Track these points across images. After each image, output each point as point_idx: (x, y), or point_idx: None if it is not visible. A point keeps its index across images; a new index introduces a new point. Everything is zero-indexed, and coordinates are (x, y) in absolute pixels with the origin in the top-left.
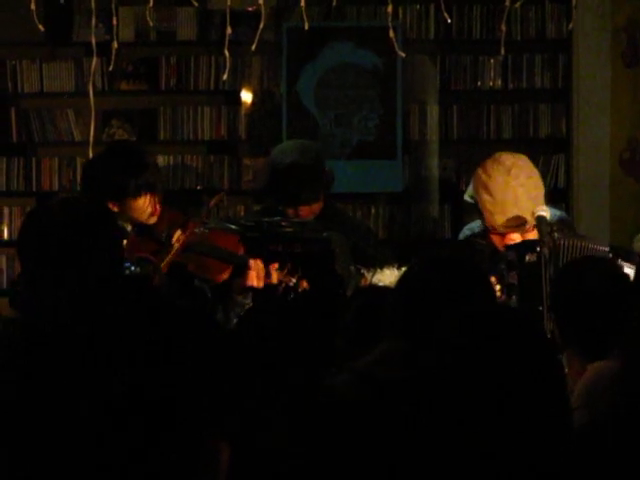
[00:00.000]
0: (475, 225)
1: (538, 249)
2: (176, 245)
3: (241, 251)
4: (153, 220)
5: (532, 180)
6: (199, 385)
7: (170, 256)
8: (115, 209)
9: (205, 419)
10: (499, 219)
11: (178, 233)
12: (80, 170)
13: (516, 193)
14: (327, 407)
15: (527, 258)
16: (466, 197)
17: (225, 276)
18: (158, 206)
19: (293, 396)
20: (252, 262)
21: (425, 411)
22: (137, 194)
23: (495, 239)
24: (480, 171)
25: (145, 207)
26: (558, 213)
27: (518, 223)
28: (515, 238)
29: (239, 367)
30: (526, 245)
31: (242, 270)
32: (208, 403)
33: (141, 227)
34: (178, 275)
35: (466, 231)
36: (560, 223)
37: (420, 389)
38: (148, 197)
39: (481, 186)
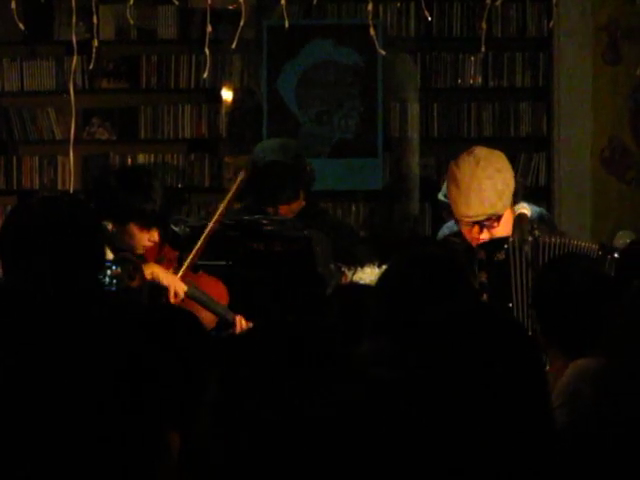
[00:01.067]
0: (453, 224)
1: (506, 246)
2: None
3: (226, 299)
4: (141, 251)
5: (501, 175)
6: (163, 380)
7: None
8: (111, 228)
9: (163, 412)
10: (462, 209)
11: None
12: (61, 168)
13: (481, 184)
14: (324, 408)
15: (496, 256)
16: (440, 196)
17: (209, 326)
18: (156, 244)
19: (291, 397)
20: (237, 320)
21: (414, 411)
22: (147, 226)
23: (466, 232)
24: (452, 163)
25: (145, 240)
26: (538, 210)
27: (478, 213)
28: (479, 232)
29: (199, 363)
30: (495, 243)
31: (227, 325)
32: (167, 397)
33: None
34: None
35: (445, 230)
36: (540, 220)
37: (407, 389)
38: (154, 232)
39: (451, 177)
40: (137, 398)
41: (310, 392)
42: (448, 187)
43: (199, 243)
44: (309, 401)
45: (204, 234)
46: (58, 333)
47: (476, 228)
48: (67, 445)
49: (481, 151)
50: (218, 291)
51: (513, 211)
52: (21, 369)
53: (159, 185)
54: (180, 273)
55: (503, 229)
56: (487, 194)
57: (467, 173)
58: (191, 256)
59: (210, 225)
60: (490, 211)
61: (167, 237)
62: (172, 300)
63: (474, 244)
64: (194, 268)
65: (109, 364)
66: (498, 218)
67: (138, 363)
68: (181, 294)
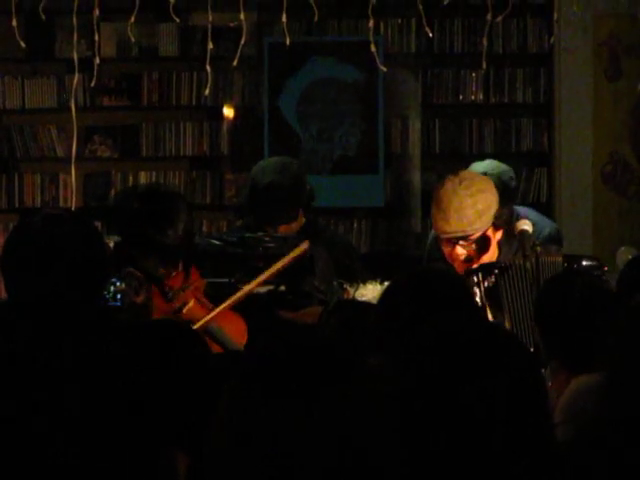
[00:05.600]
0: None
1: (496, 271)
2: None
3: (244, 337)
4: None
5: (483, 195)
6: (165, 398)
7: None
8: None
9: (166, 430)
10: (440, 224)
11: (191, 303)
12: (62, 186)
13: (462, 201)
14: (328, 424)
15: (486, 283)
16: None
17: None
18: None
19: (296, 413)
20: None
21: (413, 426)
22: (168, 262)
23: (447, 254)
24: (437, 185)
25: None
26: (554, 226)
27: (457, 230)
28: (460, 254)
29: (203, 383)
30: (485, 268)
31: None
32: (170, 415)
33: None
34: None
35: (433, 233)
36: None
37: (407, 404)
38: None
39: (434, 197)
40: (140, 418)
41: (315, 408)
42: (431, 207)
43: (239, 295)
44: (313, 416)
45: (244, 290)
46: (60, 352)
47: (456, 249)
48: (70, 465)
49: (466, 173)
50: (237, 328)
51: (495, 234)
52: (18, 389)
53: (184, 210)
54: (210, 316)
55: (492, 253)
56: (467, 212)
57: (449, 191)
58: (225, 305)
59: (256, 283)
60: (468, 228)
61: (192, 263)
62: None
63: (456, 266)
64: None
65: (110, 384)
66: (482, 239)
67: (139, 383)
68: None
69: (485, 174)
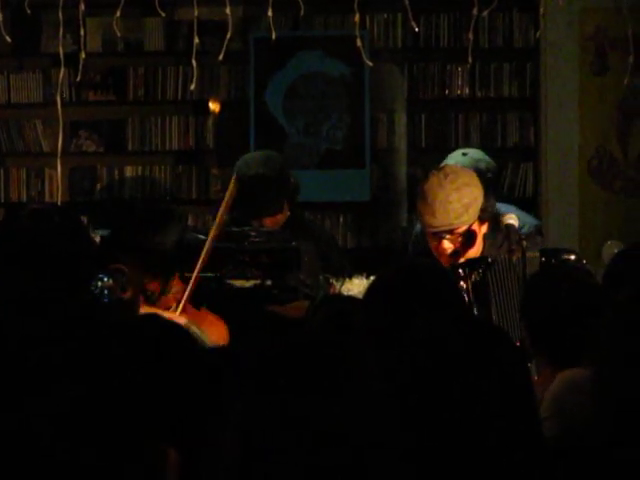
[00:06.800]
0: None
1: (483, 266)
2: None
3: (225, 341)
4: None
5: (469, 189)
6: (155, 393)
7: None
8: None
9: (157, 425)
10: (427, 218)
11: (174, 306)
12: (48, 180)
13: (448, 195)
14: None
15: (472, 277)
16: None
17: None
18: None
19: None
20: None
21: (402, 422)
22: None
23: (433, 248)
24: (423, 180)
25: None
26: (533, 222)
27: (444, 223)
28: (447, 248)
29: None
30: (471, 263)
31: None
32: (161, 410)
33: None
34: None
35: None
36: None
37: (396, 400)
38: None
39: (419, 193)
40: (131, 413)
41: (306, 404)
42: (417, 202)
43: (195, 272)
44: (305, 413)
45: (199, 260)
46: (47, 347)
47: (442, 243)
48: (60, 461)
49: (451, 167)
50: (218, 332)
51: (480, 227)
52: (5, 384)
53: (177, 225)
54: (179, 308)
55: (478, 247)
56: (453, 205)
57: (434, 184)
58: (190, 285)
59: (204, 252)
60: (455, 222)
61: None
62: None
63: (442, 261)
64: (197, 304)
65: (99, 379)
66: (468, 233)
67: (129, 378)
68: None
69: (465, 155)
